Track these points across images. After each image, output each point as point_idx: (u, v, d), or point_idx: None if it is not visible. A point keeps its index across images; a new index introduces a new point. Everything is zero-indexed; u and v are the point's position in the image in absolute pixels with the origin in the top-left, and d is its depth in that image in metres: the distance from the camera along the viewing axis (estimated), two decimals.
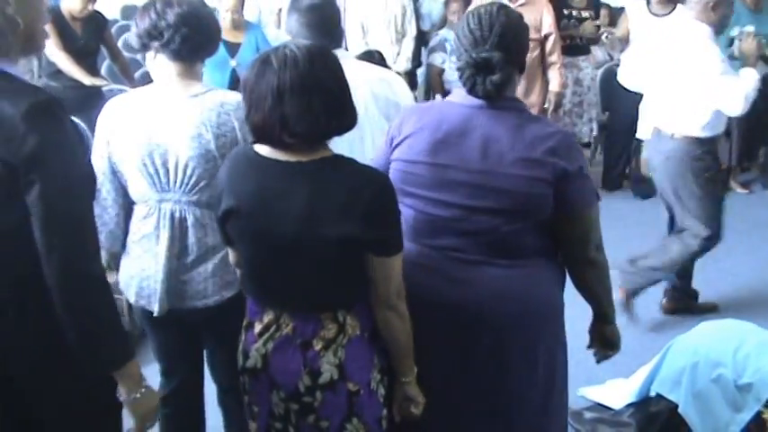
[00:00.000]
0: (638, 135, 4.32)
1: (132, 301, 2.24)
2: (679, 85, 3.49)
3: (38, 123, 1.52)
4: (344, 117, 1.74)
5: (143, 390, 1.71)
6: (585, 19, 5.25)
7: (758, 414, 2.52)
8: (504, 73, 1.85)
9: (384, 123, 2.40)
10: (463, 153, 1.90)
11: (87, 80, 4.67)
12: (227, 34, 4.82)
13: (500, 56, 1.85)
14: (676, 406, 2.71)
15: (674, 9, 5.02)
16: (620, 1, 6.09)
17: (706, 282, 4.19)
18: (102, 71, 5.43)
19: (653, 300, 3.89)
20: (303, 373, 1.79)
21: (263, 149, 1.76)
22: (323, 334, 1.79)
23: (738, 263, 4.44)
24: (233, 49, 4.83)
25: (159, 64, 2.12)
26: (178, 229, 2.13)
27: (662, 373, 2.80)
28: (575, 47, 5.21)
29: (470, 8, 2.15)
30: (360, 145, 2.39)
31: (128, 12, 8.75)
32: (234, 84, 4.86)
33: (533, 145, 1.87)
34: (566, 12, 5.13)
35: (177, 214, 2.12)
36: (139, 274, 2.18)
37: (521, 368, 2.00)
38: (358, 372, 1.82)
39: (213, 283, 2.16)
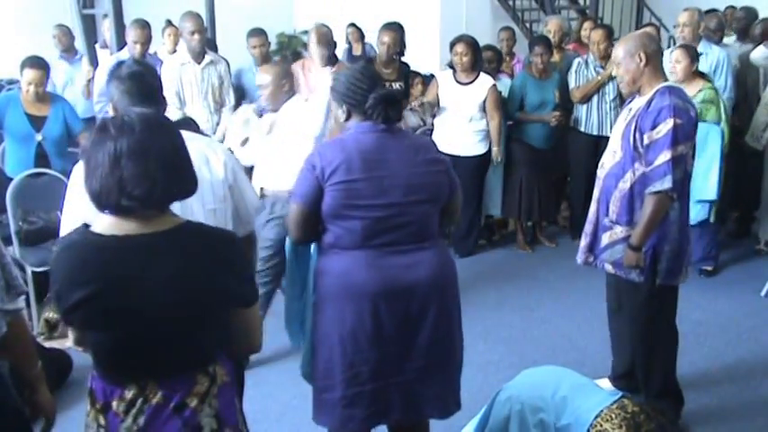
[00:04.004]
0: None
1: None
2: None
3: None
4: (183, 181, 1.79)
5: None
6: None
7: None
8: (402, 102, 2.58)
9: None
10: (389, 165, 2.51)
11: None
12: (30, 108, 4.60)
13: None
14: None
15: (477, 78, 5.40)
16: (429, 70, 6.46)
17: (522, 330, 4.43)
18: None
19: (480, 349, 4.06)
20: None
21: (107, 228, 1.74)
22: (196, 390, 1.82)
23: (549, 311, 4.75)
24: (38, 122, 4.60)
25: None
26: None
27: (490, 423, 2.89)
28: None
29: (341, 74, 2.68)
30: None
31: None
32: (39, 158, 4.60)
33: (427, 150, 2.63)
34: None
35: None
36: None
37: (456, 318, 2.68)
38: (231, 416, 1.90)
39: None
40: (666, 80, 3.16)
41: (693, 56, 4.88)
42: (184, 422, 1.80)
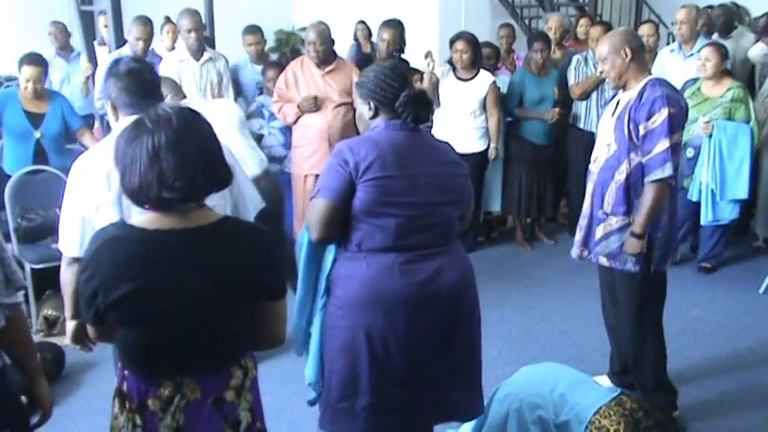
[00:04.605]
0: None
1: None
2: None
3: None
4: (221, 172, 1.78)
5: None
6: None
7: None
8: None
9: None
10: (420, 163, 2.46)
11: None
12: (28, 105, 4.59)
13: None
14: None
15: (477, 74, 5.40)
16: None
17: (520, 327, 4.43)
18: None
19: None
20: (226, 429, 1.83)
21: (149, 223, 1.74)
22: (233, 383, 1.84)
23: (548, 308, 4.75)
24: (36, 119, 4.59)
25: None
26: None
27: (488, 420, 2.89)
28: None
29: (369, 71, 2.59)
30: None
31: None
32: (37, 155, 4.59)
33: (448, 152, 2.59)
34: None
35: None
36: None
37: (478, 318, 2.64)
38: (259, 409, 1.95)
39: None
40: (651, 74, 3.22)
41: (723, 54, 4.86)
42: (225, 417, 1.81)
